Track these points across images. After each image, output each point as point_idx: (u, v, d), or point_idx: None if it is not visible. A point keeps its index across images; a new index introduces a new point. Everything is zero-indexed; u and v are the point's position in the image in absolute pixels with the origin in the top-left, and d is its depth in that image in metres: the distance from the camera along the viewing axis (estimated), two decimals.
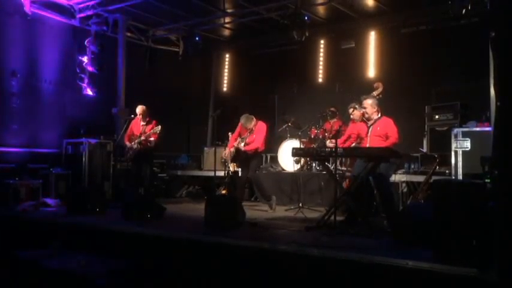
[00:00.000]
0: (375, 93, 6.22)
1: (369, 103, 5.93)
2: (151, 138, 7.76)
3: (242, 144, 7.48)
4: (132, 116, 8.12)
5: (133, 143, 7.81)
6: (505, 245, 3.12)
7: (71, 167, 8.50)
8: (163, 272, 4.86)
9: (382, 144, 5.77)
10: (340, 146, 6.29)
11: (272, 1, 8.90)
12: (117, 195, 8.42)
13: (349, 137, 6.67)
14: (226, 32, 11.17)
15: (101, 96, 9.37)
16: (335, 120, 8.72)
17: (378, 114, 5.97)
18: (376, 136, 5.90)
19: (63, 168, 8.49)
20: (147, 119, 7.95)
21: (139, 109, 7.96)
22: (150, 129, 7.74)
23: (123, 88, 9.48)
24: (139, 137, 7.79)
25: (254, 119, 7.56)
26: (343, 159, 7.51)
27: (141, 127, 7.91)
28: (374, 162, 5.38)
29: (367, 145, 5.94)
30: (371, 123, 6.00)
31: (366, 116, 5.98)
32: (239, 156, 7.61)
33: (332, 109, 8.83)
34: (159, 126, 7.67)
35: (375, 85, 6.47)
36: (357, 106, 6.73)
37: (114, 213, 6.62)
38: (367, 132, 6.02)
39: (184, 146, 11.66)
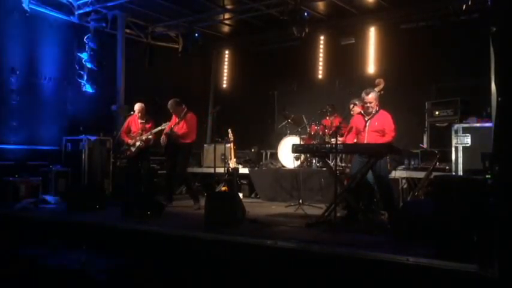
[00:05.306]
0: (376, 89, 6.17)
1: (373, 97, 5.81)
2: (150, 136, 7.74)
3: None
4: (132, 112, 8.08)
5: (135, 140, 7.74)
6: (506, 241, 3.12)
7: (71, 164, 8.48)
8: (164, 268, 4.86)
9: (379, 140, 5.71)
10: (344, 137, 6.25)
11: None
12: (117, 192, 8.41)
13: (351, 129, 6.55)
14: (226, 29, 11.14)
15: (100, 93, 9.37)
16: (334, 117, 8.70)
17: (376, 108, 5.90)
18: (373, 131, 5.81)
19: (63, 166, 8.48)
20: (146, 117, 7.92)
21: (137, 106, 7.90)
22: (150, 127, 7.71)
23: (123, 85, 9.44)
24: (141, 134, 7.74)
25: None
26: (344, 156, 7.50)
27: (140, 125, 7.87)
28: (375, 158, 5.37)
29: (365, 140, 5.85)
30: (369, 117, 5.87)
31: (370, 110, 5.87)
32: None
33: (329, 107, 8.78)
34: (164, 124, 7.59)
35: (377, 81, 6.43)
36: (357, 102, 6.67)
37: (114, 211, 6.61)
38: (365, 126, 5.90)
39: None
